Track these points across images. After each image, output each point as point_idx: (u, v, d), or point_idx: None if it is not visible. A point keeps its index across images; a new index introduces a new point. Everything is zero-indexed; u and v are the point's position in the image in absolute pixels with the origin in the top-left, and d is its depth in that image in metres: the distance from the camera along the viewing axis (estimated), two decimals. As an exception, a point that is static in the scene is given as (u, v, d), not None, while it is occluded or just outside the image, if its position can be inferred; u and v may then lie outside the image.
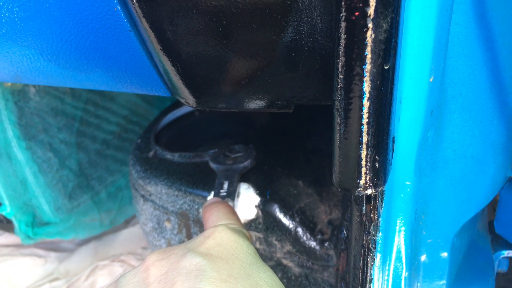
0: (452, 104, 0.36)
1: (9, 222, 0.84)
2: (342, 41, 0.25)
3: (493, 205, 0.55)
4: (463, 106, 0.36)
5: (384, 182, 0.30)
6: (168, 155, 0.60)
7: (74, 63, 0.42)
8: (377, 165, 0.29)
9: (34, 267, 0.97)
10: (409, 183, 0.34)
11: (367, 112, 0.27)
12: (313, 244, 0.48)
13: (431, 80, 0.31)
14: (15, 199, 0.79)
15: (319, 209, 0.51)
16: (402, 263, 0.38)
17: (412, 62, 0.30)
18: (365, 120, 0.27)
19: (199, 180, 0.55)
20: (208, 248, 0.30)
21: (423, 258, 0.40)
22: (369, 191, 0.29)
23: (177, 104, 0.74)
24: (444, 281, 0.42)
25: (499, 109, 0.37)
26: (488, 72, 0.37)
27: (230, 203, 0.47)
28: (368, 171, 0.29)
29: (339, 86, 0.27)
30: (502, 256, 0.50)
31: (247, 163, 0.53)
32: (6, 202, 0.79)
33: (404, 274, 0.38)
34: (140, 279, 0.29)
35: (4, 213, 0.81)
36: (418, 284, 0.41)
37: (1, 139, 0.73)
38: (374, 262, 0.36)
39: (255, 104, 0.41)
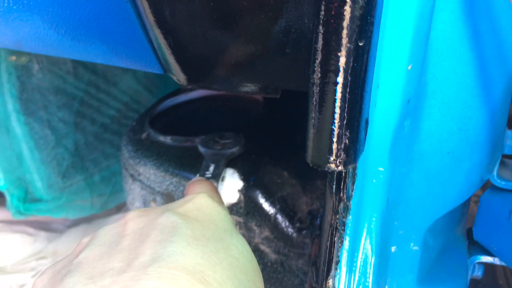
0: (432, 99, 0.37)
1: (1, 195, 0.85)
2: (320, 16, 0.26)
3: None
4: (442, 101, 0.37)
5: (354, 160, 0.31)
6: (161, 138, 0.62)
7: (72, 32, 0.43)
8: (347, 142, 0.30)
9: (23, 244, 0.98)
10: (382, 170, 0.35)
11: (340, 87, 0.28)
12: (290, 231, 0.49)
13: (409, 68, 0.32)
14: (9, 172, 0.80)
15: (300, 200, 0.51)
16: (371, 250, 0.38)
17: (391, 48, 0.31)
18: (338, 95, 0.28)
19: (187, 163, 0.56)
20: (186, 210, 0.31)
21: (393, 249, 0.41)
22: (339, 168, 0.30)
23: (175, 93, 0.75)
24: (414, 276, 0.43)
25: (478, 108, 0.38)
26: (472, 71, 0.37)
27: (214, 184, 0.48)
28: (338, 147, 0.30)
29: (314, 60, 0.28)
30: (478, 261, 0.50)
31: (235, 149, 0.54)
32: (0, 175, 0.80)
33: (373, 261, 0.39)
34: (117, 232, 0.30)
35: (-3, 186, 0.82)
36: (388, 275, 0.42)
37: (1, 112, 0.75)
38: (342, 245, 0.36)
39: (244, 87, 0.42)
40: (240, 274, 0.28)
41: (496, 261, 0.49)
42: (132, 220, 0.31)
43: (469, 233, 0.53)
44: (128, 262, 0.26)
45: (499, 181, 0.45)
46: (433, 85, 0.37)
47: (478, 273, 0.51)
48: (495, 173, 0.45)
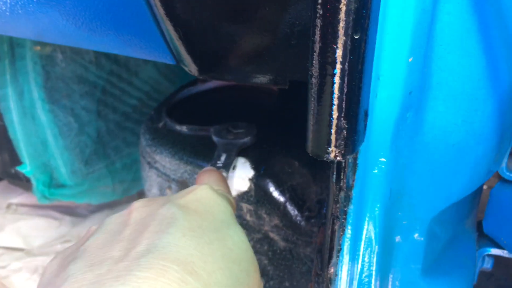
0: (437, 91, 0.37)
1: (28, 181, 0.89)
2: (317, 9, 0.27)
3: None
4: (447, 93, 0.37)
5: (353, 150, 0.31)
6: (177, 127, 0.63)
7: (88, 24, 0.45)
8: (345, 132, 0.30)
9: (49, 228, 1.02)
10: (384, 160, 0.36)
11: (337, 79, 0.29)
12: (299, 219, 0.50)
13: (410, 60, 0.33)
14: (35, 158, 0.83)
15: (310, 189, 0.52)
16: (375, 240, 0.39)
17: (391, 40, 0.32)
18: (336, 86, 0.29)
19: (201, 151, 0.58)
20: (186, 201, 0.33)
21: (397, 239, 0.41)
22: (337, 158, 0.31)
23: (193, 83, 0.76)
24: (419, 266, 0.43)
25: (485, 100, 0.38)
26: (478, 63, 0.37)
27: (224, 174, 0.49)
28: (337, 138, 0.30)
29: (312, 52, 0.28)
30: (487, 253, 0.50)
31: (247, 139, 0.56)
32: (27, 160, 0.84)
33: (376, 250, 0.39)
34: (122, 221, 0.32)
35: (24, 171, 0.85)
36: (392, 265, 0.43)
37: (27, 100, 0.78)
38: (344, 233, 0.37)
39: (254, 77, 0.43)
40: (232, 264, 0.29)
41: (505, 253, 0.49)
42: (136, 210, 0.32)
43: (479, 225, 0.53)
44: (126, 251, 0.27)
45: (508, 173, 0.45)
46: (438, 77, 0.37)
47: (488, 266, 0.51)
48: (504, 165, 0.45)
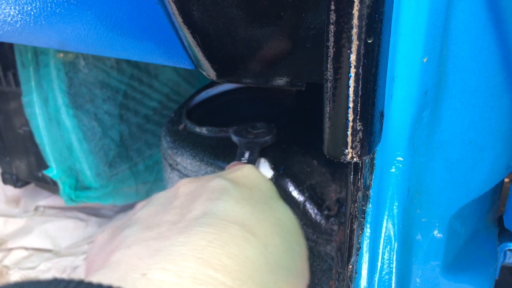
0: (453, 89, 0.38)
1: (54, 184, 0.91)
2: (330, 15, 0.28)
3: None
4: (463, 91, 0.38)
5: (369, 151, 0.32)
6: (197, 129, 0.64)
7: (109, 33, 0.46)
8: (361, 134, 0.31)
9: (76, 229, 1.05)
10: (401, 159, 0.36)
11: (352, 83, 0.29)
12: (319, 218, 0.50)
13: (424, 60, 0.33)
14: (61, 162, 0.86)
15: (329, 188, 0.53)
16: (394, 238, 0.39)
17: (405, 42, 0.32)
18: (351, 89, 0.29)
19: (221, 153, 0.59)
20: (235, 177, 0.34)
21: (417, 236, 0.42)
22: (354, 159, 0.32)
23: (211, 84, 0.78)
24: (439, 262, 0.44)
25: (501, 96, 0.38)
26: (494, 60, 0.38)
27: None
28: (353, 139, 0.31)
29: (327, 57, 0.29)
30: (509, 248, 0.50)
31: (267, 138, 0.56)
32: (53, 165, 0.86)
33: (396, 248, 0.40)
34: (171, 194, 0.33)
35: (51, 174, 0.88)
36: (413, 262, 0.43)
37: (52, 106, 0.80)
38: (363, 232, 0.38)
39: (271, 81, 0.43)
40: (283, 232, 0.30)
41: (527, 248, 0.49)
42: (184, 185, 0.33)
43: (500, 220, 0.53)
44: (182, 216, 0.28)
45: (528, 168, 0.45)
46: (453, 75, 0.37)
47: (509, 260, 0.51)
48: (524, 160, 0.45)
